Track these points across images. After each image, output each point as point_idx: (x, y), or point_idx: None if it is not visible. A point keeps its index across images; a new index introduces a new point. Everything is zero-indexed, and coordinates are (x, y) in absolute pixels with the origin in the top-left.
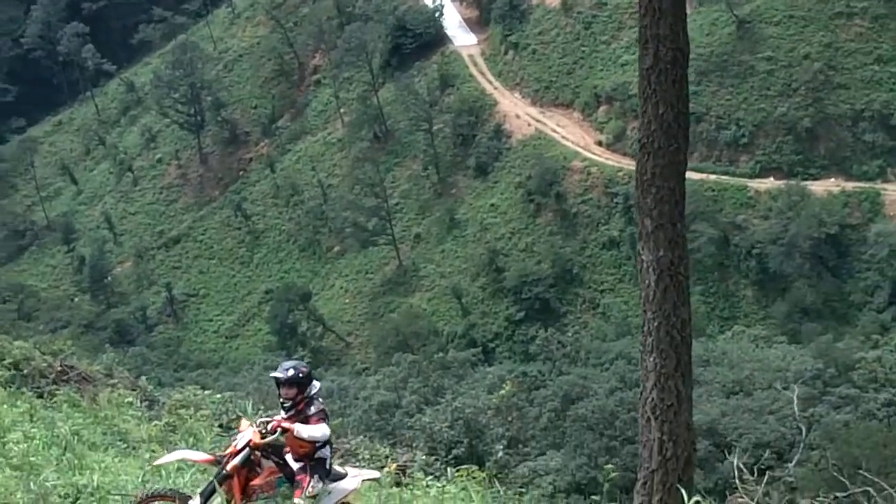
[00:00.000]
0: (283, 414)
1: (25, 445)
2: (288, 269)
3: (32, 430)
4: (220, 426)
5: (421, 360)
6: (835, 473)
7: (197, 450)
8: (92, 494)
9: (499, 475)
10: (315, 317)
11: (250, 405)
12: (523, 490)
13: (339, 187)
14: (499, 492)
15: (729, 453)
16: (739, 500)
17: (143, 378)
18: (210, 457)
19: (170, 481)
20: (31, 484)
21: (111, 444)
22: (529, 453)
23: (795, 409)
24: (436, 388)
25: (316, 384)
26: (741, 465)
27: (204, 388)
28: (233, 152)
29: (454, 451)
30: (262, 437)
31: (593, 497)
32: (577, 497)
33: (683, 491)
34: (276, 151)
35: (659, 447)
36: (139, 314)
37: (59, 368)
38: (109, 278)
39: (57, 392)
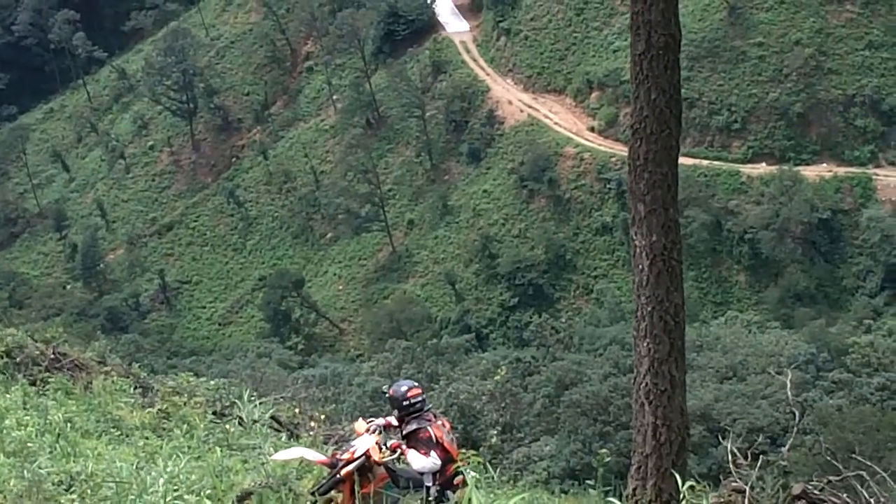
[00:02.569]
0: (394, 421)
1: (20, 432)
2: (281, 255)
3: (26, 417)
4: (214, 413)
5: (415, 347)
6: (828, 457)
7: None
8: (85, 481)
9: (493, 461)
10: (308, 303)
11: (246, 395)
12: (518, 475)
13: (332, 174)
14: (493, 477)
15: (722, 438)
16: (733, 484)
17: (136, 365)
18: (326, 459)
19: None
20: (25, 471)
21: (105, 432)
22: (524, 439)
23: (789, 393)
24: (430, 374)
25: (423, 412)
26: (735, 450)
27: (197, 376)
28: (225, 139)
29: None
30: (381, 453)
31: (588, 483)
32: (571, 482)
33: (677, 475)
34: (269, 138)
35: (653, 432)
36: (132, 301)
37: (52, 356)
38: (102, 265)
39: (49, 379)
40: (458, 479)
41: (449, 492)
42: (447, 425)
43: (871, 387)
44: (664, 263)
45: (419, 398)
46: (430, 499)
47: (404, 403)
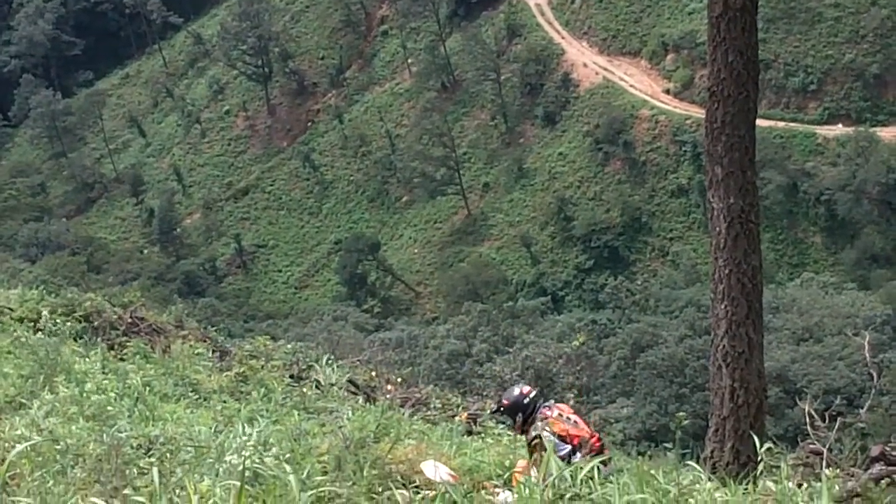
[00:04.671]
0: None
1: (100, 397)
2: (357, 219)
3: (104, 381)
4: (292, 377)
5: (490, 309)
6: None
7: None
8: (164, 445)
9: None
10: (384, 267)
11: (323, 358)
12: None
13: (407, 137)
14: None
15: (799, 400)
16: (811, 446)
17: (213, 329)
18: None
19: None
20: (105, 435)
21: (183, 395)
22: (600, 401)
23: (867, 354)
24: (506, 336)
25: (538, 410)
26: (812, 412)
27: (274, 339)
28: (301, 103)
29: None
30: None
31: (664, 445)
32: (647, 444)
33: (755, 438)
34: (344, 102)
35: (730, 394)
36: (208, 265)
37: (130, 320)
38: (178, 230)
39: (127, 344)
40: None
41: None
42: (565, 411)
43: None
44: (742, 226)
45: (533, 393)
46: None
47: (525, 403)
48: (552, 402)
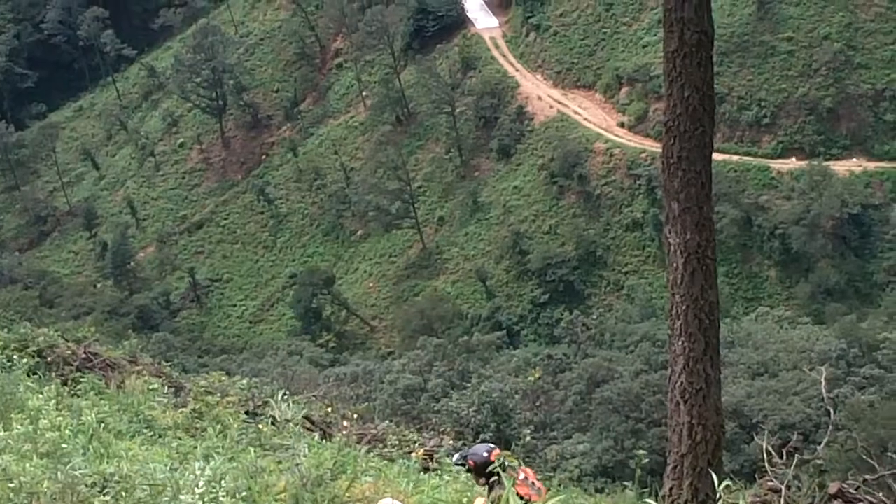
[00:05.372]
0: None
1: (54, 434)
2: (311, 253)
3: (58, 418)
4: (247, 413)
5: (446, 344)
6: (863, 455)
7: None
8: (119, 483)
9: (527, 459)
10: (339, 301)
11: (279, 394)
12: (552, 474)
13: (362, 171)
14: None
15: (755, 435)
16: (769, 483)
17: (167, 364)
18: None
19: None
20: (59, 473)
21: (137, 432)
22: (556, 437)
23: (823, 390)
24: (461, 371)
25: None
26: (770, 448)
27: (229, 374)
28: (255, 136)
29: (482, 435)
30: None
31: (623, 483)
32: (603, 480)
33: (714, 475)
34: (299, 135)
35: (689, 431)
36: (162, 299)
37: (83, 355)
38: (132, 264)
39: (81, 379)
40: None
41: None
42: (530, 476)
43: None
44: (699, 262)
45: (501, 458)
46: None
47: (488, 470)
48: (517, 465)
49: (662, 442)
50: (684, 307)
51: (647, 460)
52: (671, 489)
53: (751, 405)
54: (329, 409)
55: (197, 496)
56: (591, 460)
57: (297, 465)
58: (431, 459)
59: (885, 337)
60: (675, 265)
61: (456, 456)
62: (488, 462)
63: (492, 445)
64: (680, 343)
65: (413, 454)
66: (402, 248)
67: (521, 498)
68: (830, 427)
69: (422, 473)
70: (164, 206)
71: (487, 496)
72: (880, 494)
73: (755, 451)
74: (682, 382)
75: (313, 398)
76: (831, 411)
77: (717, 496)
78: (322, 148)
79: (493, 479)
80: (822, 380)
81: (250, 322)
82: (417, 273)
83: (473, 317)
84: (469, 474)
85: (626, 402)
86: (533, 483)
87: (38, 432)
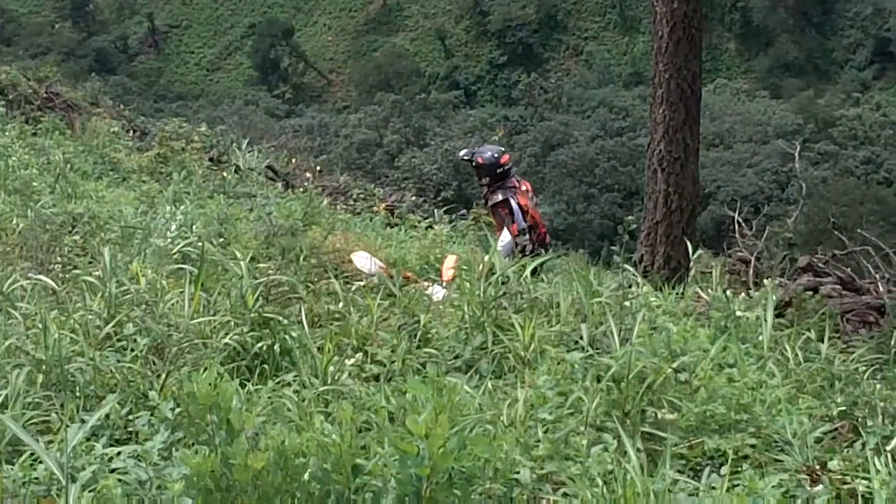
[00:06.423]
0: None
1: (24, 171)
2: (272, 3)
3: (25, 156)
4: (211, 160)
5: (403, 100)
6: (833, 229)
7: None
8: (88, 223)
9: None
10: (297, 53)
11: (244, 143)
12: None
13: None
14: (486, 235)
15: (708, 205)
16: (739, 254)
17: (126, 108)
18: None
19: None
20: (29, 210)
21: (103, 174)
22: None
23: (797, 165)
24: (417, 128)
25: (509, 178)
26: (741, 221)
27: (185, 120)
28: None
29: (443, 194)
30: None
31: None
32: (555, 242)
33: (688, 244)
34: None
35: (664, 198)
36: (120, 43)
37: (45, 95)
38: (91, 6)
39: (42, 119)
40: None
41: (542, 249)
42: (529, 189)
43: (856, 160)
44: (684, 31)
45: (510, 164)
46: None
47: (498, 171)
48: (522, 176)
49: (614, 207)
50: (667, 76)
51: (634, 227)
52: (643, 256)
53: (704, 175)
54: (293, 161)
55: (168, 240)
56: (543, 222)
57: (269, 213)
58: (392, 214)
59: (842, 114)
60: (660, 33)
61: (464, 151)
62: (497, 163)
63: (502, 149)
64: (660, 111)
65: (374, 208)
66: (363, 3)
67: (523, 211)
68: (801, 202)
69: (387, 228)
70: None
71: (484, 199)
72: (848, 270)
73: (706, 221)
74: (660, 150)
75: (272, 148)
76: (803, 186)
77: (690, 264)
78: None
79: (497, 184)
80: (797, 155)
81: (207, 70)
82: (377, 28)
83: (431, 75)
84: (475, 169)
85: (580, 166)
86: (532, 196)
87: (9, 169)
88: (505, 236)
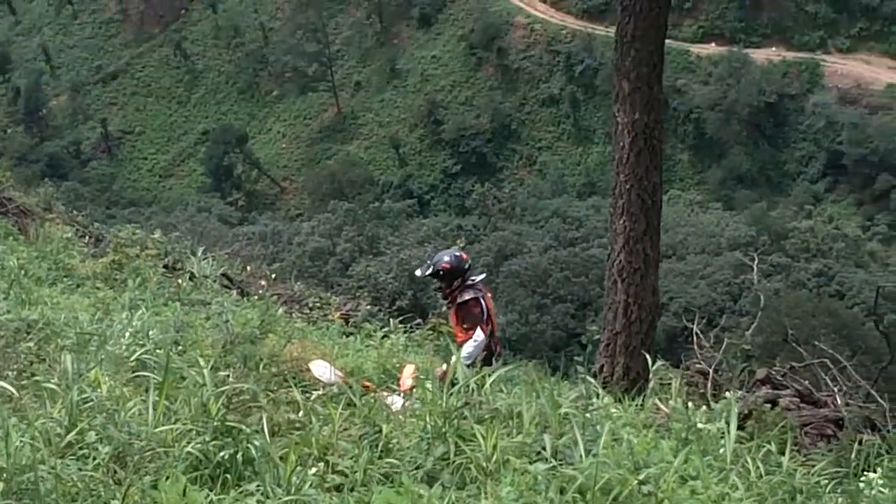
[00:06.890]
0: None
1: None
2: (226, 110)
3: None
4: (165, 267)
5: (356, 209)
6: (790, 342)
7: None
8: (43, 330)
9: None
10: (251, 160)
11: (199, 251)
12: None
13: (281, 31)
14: (445, 345)
15: (659, 317)
16: (697, 366)
17: (80, 214)
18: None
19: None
20: None
21: (57, 280)
22: None
23: (754, 277)
24: (371, 237)
25: (471, 274)
26: (699, 332)
27: (138, 227)
28: None
29: (398, 303)
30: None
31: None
32: (509, 353)
33: (647, 355)
34: None
35: (624, 309)
36: (73, 149)
37: None
38: (44, 111)
39: None
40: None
41: (493, 359)
42: (489, 293)
43: (808, 272)
44: (645, 142)
45: (470, 259)
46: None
47: (465, 268)
48: (480, 278)
49: (566, 318)
50: (628, 186)
51: (597, 337)
52: (602, 367)
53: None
54: (247, 268)
55: (124, 347)
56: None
57: (227, 321)
58: (347, 323)
59: (795, 226)
60: (621, 144)
61: (419, 271)
62: (462, 262)
63: (456, 250)
64: (621, 222)
65: (330, 317)
66: (318, 111)
67: (486, 313)
68: (760, 313)
69: (343, 337)
70: (79, 56)
71: (453, 307)
72: (805, 382)
73: (658, 333)
74: (620, 261)
75: (227, 256)
76: (761, 297)
77: (650, 375)
78: (242, 6)
79: (465, 283)
80: (755, 266)
81: (160, 176)
82: (331, 136)
83: (385, 183)
84: (439, 282)
85: (532, 276)
86: (493, 299)
87: None
88: (479, 335)
